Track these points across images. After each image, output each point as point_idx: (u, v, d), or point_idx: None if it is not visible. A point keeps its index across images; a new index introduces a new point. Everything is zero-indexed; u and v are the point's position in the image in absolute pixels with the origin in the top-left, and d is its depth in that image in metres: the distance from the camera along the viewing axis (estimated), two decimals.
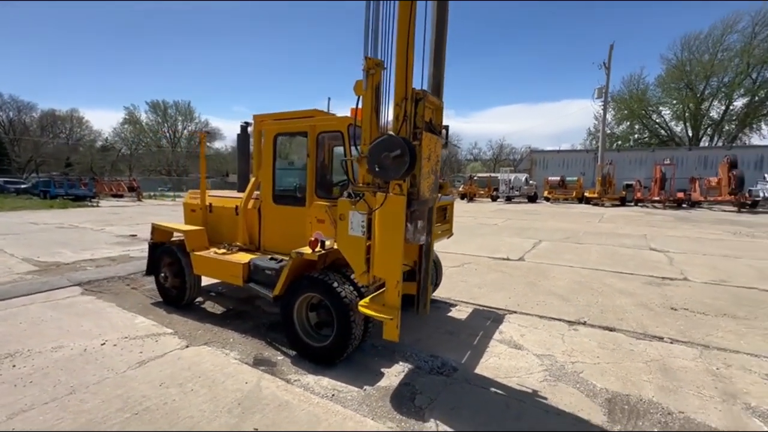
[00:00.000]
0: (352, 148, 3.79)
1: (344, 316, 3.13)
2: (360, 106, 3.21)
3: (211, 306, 4.87)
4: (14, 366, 3.18)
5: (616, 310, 4.76)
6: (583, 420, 2.56)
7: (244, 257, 4.22)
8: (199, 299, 5.00)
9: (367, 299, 2.96)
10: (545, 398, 2.81)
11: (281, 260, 3.96)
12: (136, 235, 10.90)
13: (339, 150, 5.26)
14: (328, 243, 3.44)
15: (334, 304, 3.18)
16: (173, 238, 5.16)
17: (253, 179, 4.77)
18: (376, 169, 2.79)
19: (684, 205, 22.78)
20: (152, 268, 4.95)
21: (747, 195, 20.62)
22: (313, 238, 3.38)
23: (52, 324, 4.12)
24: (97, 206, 22.98)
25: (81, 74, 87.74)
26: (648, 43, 72.32)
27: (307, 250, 3.37)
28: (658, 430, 2.42)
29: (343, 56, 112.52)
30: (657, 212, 19.96)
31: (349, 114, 4.23)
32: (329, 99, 51.69)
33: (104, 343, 3.63)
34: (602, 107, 29.39)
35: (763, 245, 9.63)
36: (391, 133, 2.92)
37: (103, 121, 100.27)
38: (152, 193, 35.31)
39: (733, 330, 4.15)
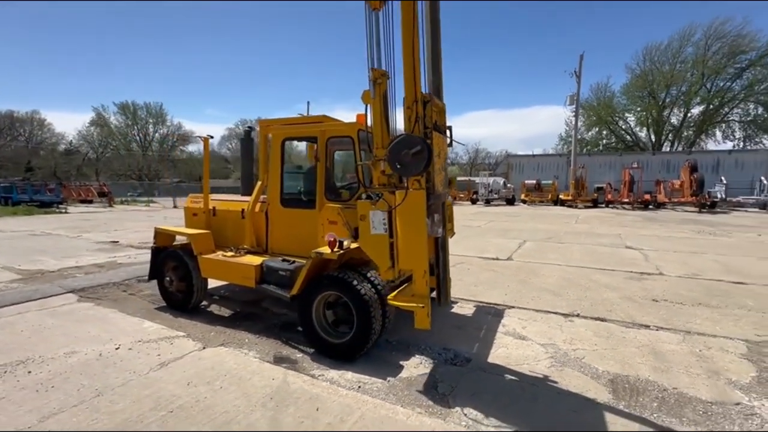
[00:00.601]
0: (362, 152, 3.96)
1: (365, 313, 3.28)
2: (369, 113, 3.40)
3: (217, 309, 4.88)
4: (30, 372, 3.14)
5: (604, 303, 5.13)
6: (591, 398, 2.82)
7: (254, 259, 4.28)
8: (204, 303, 4.99)
9: (393, 293, 3.13)
10: (555, 382, 3.06)
11: (293, 261, 4.07)
12: (117, 242, 10.57)
13: (337, 155, 5.43)
14: (345, 243, 3.58)
15: (355, 301, 3.32)
16: (175, 242, 5.14)
17: (259, 183, 4.84)
18: (398, 166, 2.98)
19: (650, 207, 24.16)
20: (155, 273, 4.91)
21: (707, 196, 22.18)
22: (332, 239, 3.51)
23: (56, 331, 4.04)
24: (66, 212, 21.96)
25: (43, 74, 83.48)
26: (614, 52, 76.40)
27: (326, 249, 3.50)
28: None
29: (320, 59, 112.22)
30: (627, 213, 21.11)
31: (355, 120, 4.43)
32: (308, 103, 51.47)
33: (118, 348, 3.61)
34: (574, 114, 30.81)
35: (724, 242, 10.46)
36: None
37: (67, 123, 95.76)
38: (123, 199, 33.93)
39: (708, 317, 4.58)
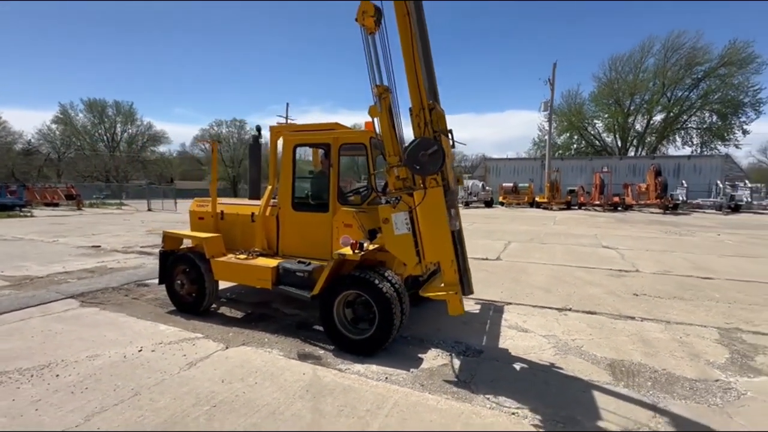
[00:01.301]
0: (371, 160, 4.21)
1: (387, 310, 3.49)
2: (377, 125, 3.68)
3: (228, 311, 4.95)
4: (58, 376, 3.16)
5: (591, 298, 5.57)
6: (596, 381, 3.17)
7: (269, 262, 4.41)
8: (213, 306, 5.05)
9: (423, 287, 3.38)
10: (561, 368, 3.39)
11: (309, 263, 4.23)
12: (99, 246, 10.26)
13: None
14: (365, 245, 3.79)
15: (377, 299, 3.53)
16: (182, 246, 5.18)
17: (269, 187, 4.97)
18: (417, 167, 3.24)
19: (619, 208, 25.61)
20: (165, 276, 4.93)
21: (670, 199, 23.78)
22: (352, 242, 3.71)
23: (70, 336, 4.03)
24: (31, 216, 20.82)
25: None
26: (584, 60, 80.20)
27: (347, 251, 3.70)
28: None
29: (295, 62, 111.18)
30: (599, 215, 22.29)
31: (363, 128, 4.66)
32: (288, 104, 51.04)
33: (141, 350, 3.66)
34: (547, 120, 32.15)
35: (689, 241, 11.35)
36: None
37: (25, 121, 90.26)
38: (92, 202, 32.42)
39: (683, 309, 5.10)
